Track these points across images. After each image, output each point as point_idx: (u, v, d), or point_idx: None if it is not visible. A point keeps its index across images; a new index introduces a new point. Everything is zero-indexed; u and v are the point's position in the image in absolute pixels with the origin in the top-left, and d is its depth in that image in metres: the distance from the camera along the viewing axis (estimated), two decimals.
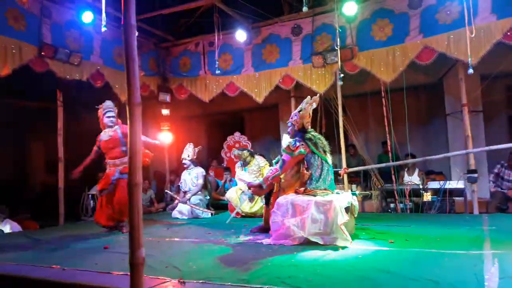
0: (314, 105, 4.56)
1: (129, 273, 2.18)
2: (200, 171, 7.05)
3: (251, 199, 6.35)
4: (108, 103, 5.35)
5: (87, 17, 6.63)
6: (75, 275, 2.97)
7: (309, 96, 4.58)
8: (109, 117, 5.25)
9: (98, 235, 5.05)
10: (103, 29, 5.40)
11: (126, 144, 5.14)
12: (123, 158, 5.04)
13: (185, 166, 7.10)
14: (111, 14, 6.87)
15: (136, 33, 7.34)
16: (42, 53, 6.27)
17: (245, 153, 6.84)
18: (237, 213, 6.67)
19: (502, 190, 6.65)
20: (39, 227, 6.46)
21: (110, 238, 4.75)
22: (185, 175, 7.13)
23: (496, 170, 6.80)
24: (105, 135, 5.26)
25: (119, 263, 3.19)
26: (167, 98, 8.58)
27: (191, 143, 7.20)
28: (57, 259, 3.55)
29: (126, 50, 2.34)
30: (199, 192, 6.98)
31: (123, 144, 5.06)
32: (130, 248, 2.24)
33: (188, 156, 7.06)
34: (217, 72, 7.67)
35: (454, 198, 6.43)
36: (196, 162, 7.18)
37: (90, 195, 7.38)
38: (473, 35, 5.79)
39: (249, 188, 4.86)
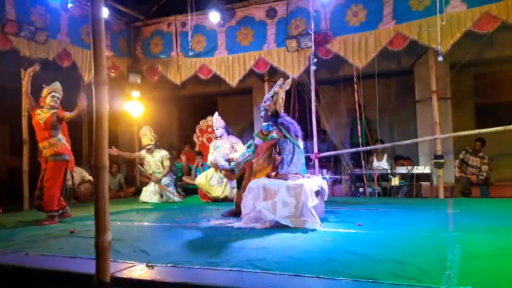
0: (287, 87, 4.55)
1: (94, 257, 2.14)
2: (164, 153, 7.13)
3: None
4: (58, 85, 5.14)
5: None
6: (38, 260, 2.88)
7: (281, 79, 4.56)
8: (53, 97, 5.03)
9: (64, 219, 4.92)
10: (69, 5, 5.19)
11: (58, 128, 4.98)
12: (51, 139, 4.90)
13: (147, 147, 7.10)
14: None
15: (107, 12, 7.08)
16: (5, 30, 5.97)
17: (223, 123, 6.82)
18: (208, 198, 6.66)
19: (466, 176, 6.89)
20: (2, 211, 6.24)
21: (76, 223, 4.64)
22: (148, 158, 7.12)
23: (461, 156, 7.03)
24: (41, 115, 4.97)
25: (85, 247, 3.12)
26: (138, 79, 8.35)
27: (147, 127, 7.20)
28: (20, 244, 3.43)
29: (92, 27, 2.25)
30: (168, 174, 7.08)
31: (55, 128, 4.95)
32: (96, 231, 2.19)
33: (152, 141, 7.09)
34: (190, 53, 7.53)
35: (421, 182, 6.64)
36: (158, 144, 7.26)
37: None
38: (443, 23, 5.88)
39: (221, 171, 4.84)
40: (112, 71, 7.97)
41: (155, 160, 7.05)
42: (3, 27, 5.95)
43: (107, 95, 2.24)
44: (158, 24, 8.43)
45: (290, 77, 4.62)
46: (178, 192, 7.17)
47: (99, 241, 2.17)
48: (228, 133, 6.78)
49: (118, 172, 8.53)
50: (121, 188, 8.38)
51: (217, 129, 6.77)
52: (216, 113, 6.92)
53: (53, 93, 5.07)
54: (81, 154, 8.84)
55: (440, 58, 5.90)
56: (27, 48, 6.34)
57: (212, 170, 6.68)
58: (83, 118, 8.66)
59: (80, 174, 7.70)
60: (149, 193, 6.93)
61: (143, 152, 7.22)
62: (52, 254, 3.01)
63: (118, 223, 4.51)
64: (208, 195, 6.62)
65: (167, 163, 7.07)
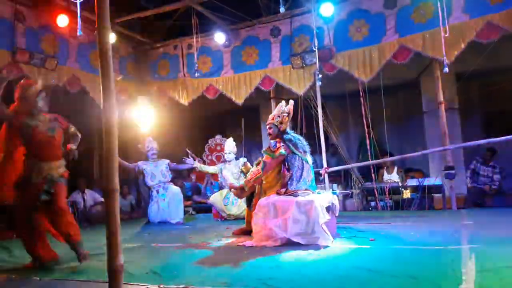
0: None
1: (107, 281, 2.15)
2: (167, 162, 6.97)
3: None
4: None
5: (62, 20, 6.51)
6: (51, 285, 2.90)
7: (283, 101, 4.57)
8: (43, 99, 3.76)
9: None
10: (79, 33, 5.31)
11: None
12: (62, 161, 3.84)
13: (153, 156, 6.93)
14: (87, 18, 6.74)
15: (114, 37, 7.06)
16: (16, 58, 6.12)
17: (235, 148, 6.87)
18: (222, 216, 6.65)
19: (478, 186, 6.80)
20: (14, 236, 6.28)
21: (89, 245, 4.64)
22: (152, 169, 6.84)
23: (472, 166, 6.97)
24: (40, 125, 3.72)
25: (98, 271, 3.13)
26: (146, 102, 8.46)
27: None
28: (30, 270, 3.45)
29: (100, 53, 2.31)
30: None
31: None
32: (108, 255, 2.20)
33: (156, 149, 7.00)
34: (196, 75, 7.64)
35: (432, 194, 6.57)
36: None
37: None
38: (447, 35, 5.91)
39: (230, 189, 4.84)
40: (122, 94, 8.11)
41: (162, 169, 6.85)
42: (14, 56, 6.11)
43: (116, 120, 2.28)
44: (164, 47, 8.60)
45: (290, 102, 4.56)
46: (184, 212, 7.09)
47: (111, 264, 2.17)
48: (236, 158, 6.83)
49: (129, 193, 8.58)
50: (133, 209, 8.41)
51: (229, 153, 6.81)
52: (231, 138, 6.97)
53: (43, 94, 3.78)
54: (92, 177, 8.92)
55: (446, 70, 5.90)
56: (37, 75, 6.48)
57: (227, 188, 6.67)
58: (95, 141, 8.75)
59: (92, 196, 7.76)
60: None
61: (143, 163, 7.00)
62: (64, 278, 3.03)
63: (130, 244, 4.52)
64: (223, 213, 6.61)
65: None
